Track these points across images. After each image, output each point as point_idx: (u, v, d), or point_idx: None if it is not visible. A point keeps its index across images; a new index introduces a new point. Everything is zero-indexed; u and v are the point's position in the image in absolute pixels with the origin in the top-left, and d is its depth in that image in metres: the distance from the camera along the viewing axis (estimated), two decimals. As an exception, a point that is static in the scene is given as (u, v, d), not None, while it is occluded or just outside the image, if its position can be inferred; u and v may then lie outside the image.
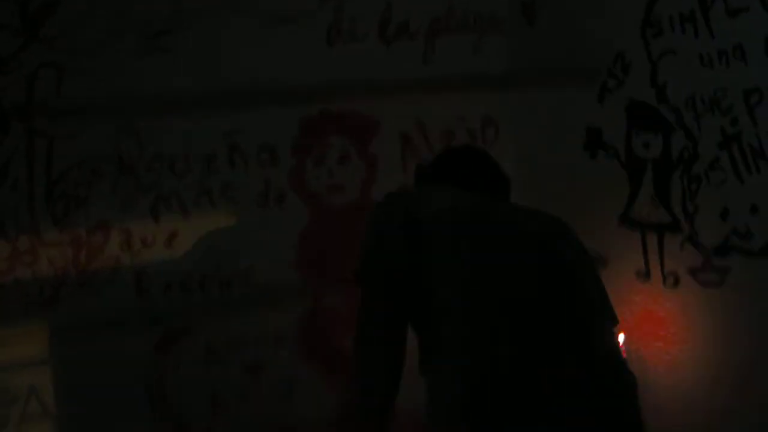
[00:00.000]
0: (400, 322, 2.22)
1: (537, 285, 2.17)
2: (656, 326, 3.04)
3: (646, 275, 3.05)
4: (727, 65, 2.74)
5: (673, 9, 2.87)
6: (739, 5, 2.70)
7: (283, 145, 3.04)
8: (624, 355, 2.35)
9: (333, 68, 3.09)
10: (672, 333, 3.00)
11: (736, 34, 2.71)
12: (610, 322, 2.25)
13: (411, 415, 2.28)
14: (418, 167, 2.61)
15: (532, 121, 3.37)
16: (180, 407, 2.93)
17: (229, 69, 2.93)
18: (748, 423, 2.78)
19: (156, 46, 2.82)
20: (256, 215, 3.00)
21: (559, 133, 3.26)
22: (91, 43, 2.74)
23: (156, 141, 2.85)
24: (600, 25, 3.10)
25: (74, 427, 2.82)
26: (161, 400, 2.90)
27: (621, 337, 2.80)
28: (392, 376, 2.21)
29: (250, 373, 3.03)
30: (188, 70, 2.86)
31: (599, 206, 3.15)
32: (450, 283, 2.18)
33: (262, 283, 3.02)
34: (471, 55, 3.33)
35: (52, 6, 2.66)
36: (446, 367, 2.20)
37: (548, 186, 3.26)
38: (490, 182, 2.39)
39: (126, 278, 2.84)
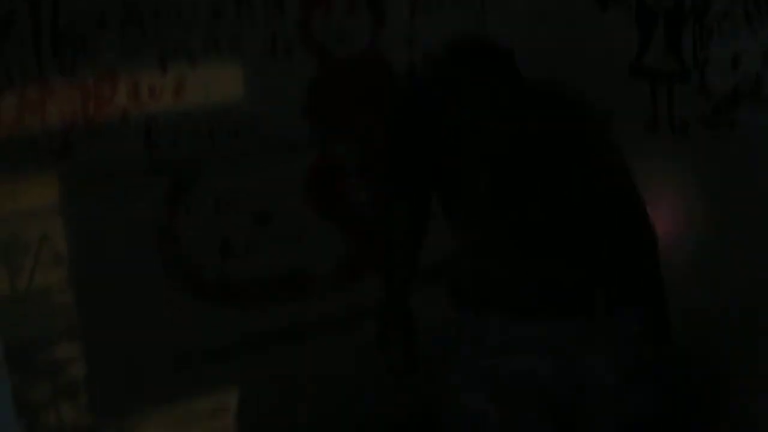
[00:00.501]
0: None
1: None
2: (664, 177, 3.05)
3: (654, 126, 3.04)
4: None
5: None
6: None
7: (290, -4, 3.01)
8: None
9: None
10: (680, 183, 3.01)
11: None
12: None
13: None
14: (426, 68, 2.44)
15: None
16: (190, 255, 2.97)
17: None
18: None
19: None
20: (264, 66, 2.98)
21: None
22: None
23: (162, -10, 2.81)
24: None
25: (86, 275, 2.86)
26: (172, 248, 2.94)
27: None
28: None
29: (259, 222, 3.06)
30: None
31: (609, 57, 3.13)
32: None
33: (271, 133, 3.02)
34: None
35: None
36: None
37: (559, 37, 3.23)
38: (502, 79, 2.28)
39: (135, 128, 2.84)
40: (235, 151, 2.99)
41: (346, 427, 3.21)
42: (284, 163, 3.07)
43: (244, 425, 3.18)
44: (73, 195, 2.80)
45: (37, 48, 2.66)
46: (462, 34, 2.33)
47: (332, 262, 3.19)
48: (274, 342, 3.15)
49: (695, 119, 2.93)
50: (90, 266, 2.85)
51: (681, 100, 2.97)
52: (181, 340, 2.99)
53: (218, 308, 3.05)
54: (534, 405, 2.26)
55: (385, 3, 3.18)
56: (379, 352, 2.40)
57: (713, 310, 2.97)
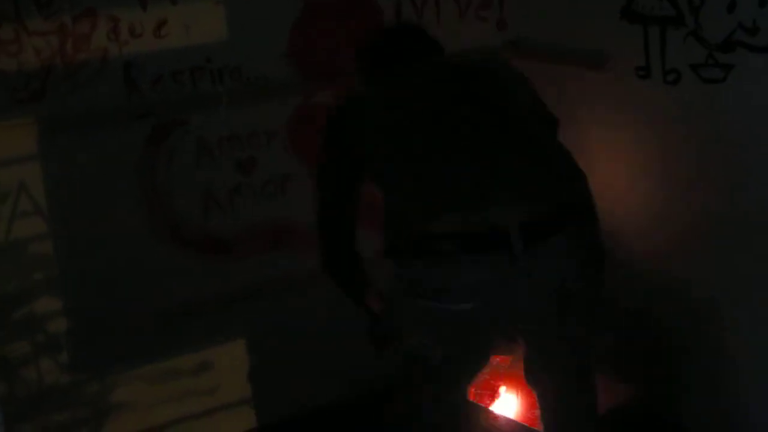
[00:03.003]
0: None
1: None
2: (654, 124, 3.09)
3: (646, 71, 3.07)
4: None
5: None
6: None
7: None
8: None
9: None
10: (671, 130, 3.05)
11: None
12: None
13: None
14: (360, 53, 2.74)
15: None
16: (172, 202, 2.93)
17: None
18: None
19: None
20: (247, 5, 2.93)
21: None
22: None
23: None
24: None
25: (66, 224, 2.81)
26: (153, 195, 2.90)
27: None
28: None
29: (242, 169, 3.03)
30: None
31: (601, 0, 3.13)
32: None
33: (254, 76, 2.99)
34: None
35: None
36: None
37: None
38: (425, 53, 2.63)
39: (114, 70, 2.78)
40: (217, 94, 2.93)
41: (332, 381, 3.22)
42: (268, 108, 3.02)
43: (228, 381, 3.16)
44: (51, 141, 2.73)
45: (13, -18, 2.56)
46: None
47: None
48: (256, 296, 3.11)
49: (687, 66, 2.95)
50: (69, 216, 2.79)
51: (674, 46, 2.98)
52: (163, 294, 2.96)
53: (200, 260, 3.01)
54: (472, 340, 2.43)
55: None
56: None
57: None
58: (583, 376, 2.58)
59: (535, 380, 2.63)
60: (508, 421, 3.05)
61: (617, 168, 3.21)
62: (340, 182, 2.54)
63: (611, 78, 3.14)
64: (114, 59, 2.75)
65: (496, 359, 3.09)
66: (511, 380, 3.14)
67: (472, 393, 2.97)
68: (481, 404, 3.06)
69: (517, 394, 3.12)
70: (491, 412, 3.05)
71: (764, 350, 2.91)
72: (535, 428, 2.92)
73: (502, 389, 3.14)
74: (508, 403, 3.13)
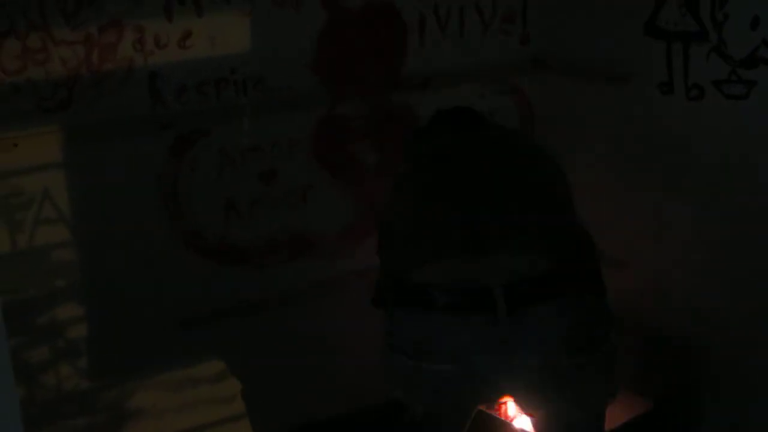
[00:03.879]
0: None
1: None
2: (677, 140, 3.10)
3: (669, 87, 3.08)
4: None
5: None
6: None
7: (299, -55, 2.99)
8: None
9: None
10: (692, 147, 3.06)
11: None
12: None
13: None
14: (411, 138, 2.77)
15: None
16: (194, 212, 2.97)
17: None
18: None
19: None
20: (272, 16, 2.97)
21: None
22: None
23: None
24: None
25: (88, 231, 2.85)
26: (175, 204, 2.94)
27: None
28: None
29: (264, 179, 3.06)
30: None
31: (624, 15, 3.15)
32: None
33: (277, 87, 3.02)
34: None
35: None
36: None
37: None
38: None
39: (139, 80, 2.82)
40: (241, 105, 2.96)
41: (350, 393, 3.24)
42: (291, 119, 3.05)
43: (245, 390, 3.19)
44: (75, 148, 2.77)
45: (40, -7, 2.61)
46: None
47: (337, 223, 3.20)
48: (276, 305, 3.14)
49: (710, 82, 2.96)
50: (92, 223, 2.83)
51: (697, 62, 2.99)
52: (184, 302, 2.99)
53: (221, 269, 3.04)
54: (454, 400, 2.39)
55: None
56: None
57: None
58: None
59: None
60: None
61: (637, 181, 3.22)
62: None
63: (634, 94, 3.15)
64: (139, 69, 2.79)
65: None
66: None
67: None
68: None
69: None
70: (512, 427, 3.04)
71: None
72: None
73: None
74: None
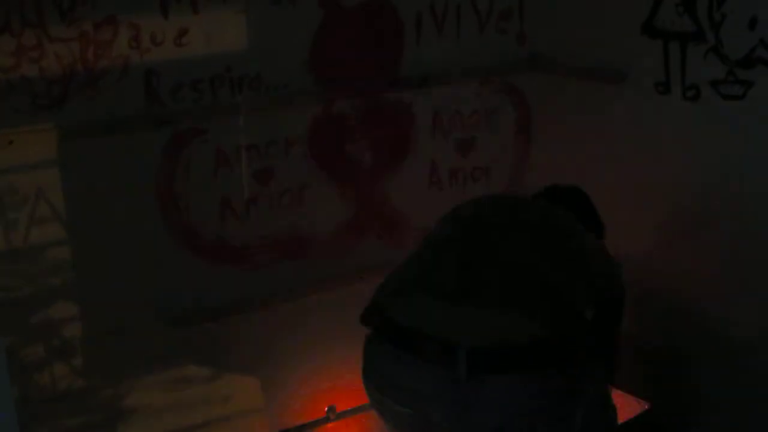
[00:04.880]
0: None
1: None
2: (674, 140, 3.11)
3: (666, 87, 3.09)
4: None
5: None
6: None
7: (296, -60, 2.99)
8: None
9: None
10: (689, 147, 3.07)
11: None
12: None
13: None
14: None
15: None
16: (189, 211, 2.96)
17: None
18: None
19: None
20: (268, 14, 2.96)
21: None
22: None
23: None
24: None
25: (83, 229, 2.85)
26: (170, 202, 2.93)
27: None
28: None
29: (259, 178, 3.06)
30: None
31: (621, 14, 3.16)
32: None
33: (273, 85, 3.01)
34: None
35: None
36: None
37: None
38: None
39: (135, 77, 2.81)
40: (237, 103, 2.96)
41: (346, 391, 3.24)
42: (287, 117, 3.05)
43: (241, 389, 3.19)
44: (70, 146, 2.77)
45: (36, -7, 2.60)
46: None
47: (333, 222, 3.20)
48: (272, 304, 3.14)
49: (707, 83, 2.97)
50: (87, 221, 2.83)
51: (694, 62, 2.99)
52: (179, 301, 2.98)
53: (216, 268, 3.04)
54: None
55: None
56: None
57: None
58: None
59: None
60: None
61: (634, 181, 3.22)
62: None
63: (630, 93, 3.16)
64: (135, 67, 2.79)
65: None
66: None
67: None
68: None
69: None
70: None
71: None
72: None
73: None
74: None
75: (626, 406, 3.01)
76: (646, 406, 3.08)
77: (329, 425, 3.23)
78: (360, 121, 3.19)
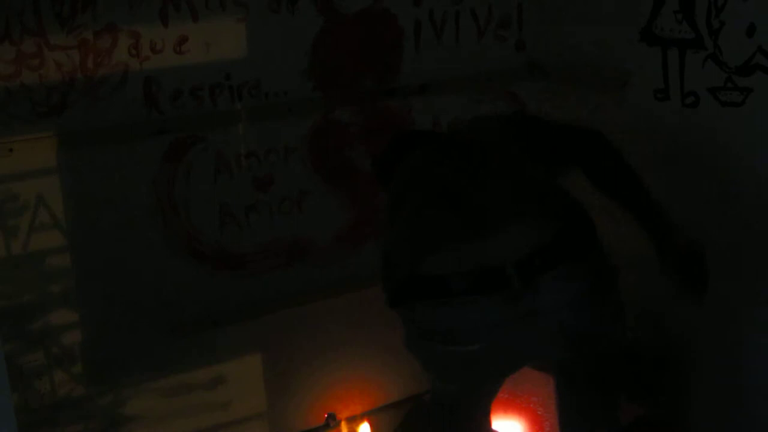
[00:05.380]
0: None
1: None
2: (673, 147, 3.11)
3: (665, 94, 3.10)
4: None
5: None
6: None
7: (295, -51, 3.01)
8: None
9: None
10: (690, 153, 3.08)
11: None
12: None
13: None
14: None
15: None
16: (189, 218, 2.98)
17: None
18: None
19: None
20: (268, 22, 2.98)
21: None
22: None
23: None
24: None
25: (83, 237, 2.87)
26: (170, 210, 2.95)
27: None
28: None
29: (259, 185, 3.08)
30: None
31: (620, 21, 3.17)
32: None
33: (273, 93, 3.03)
34: None
35: None
36: None
37: (568, 0, 3.28)
38: None
39: (134, 85, 2.84)
40: (236, 111, 2.98)
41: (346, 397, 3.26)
42: (287, 125, 3.07)
43: (241, 396, 3.20)
44: (70, 154, 2.79)
45: (36, 1, 2.62)
46: None
47: (333, 229, 3.22)
48: (271, 311, 3.16)
49: (706, 89, 2.98)
50: (86, 229, 2.85)
51: (693, 69, 3.01)
52: (179, 308, 3.00)
53: (216, 275, 3.05)
54: (484, 377, 2.56)
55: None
56: None
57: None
58: (607, 404, 2.66)
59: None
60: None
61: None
62: None
63: (629, 100, 3.17)
64: (134, 74, 2.81)
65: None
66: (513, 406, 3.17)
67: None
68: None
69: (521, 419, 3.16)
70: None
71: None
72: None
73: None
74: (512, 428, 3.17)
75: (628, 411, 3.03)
76: (641, 411, 3.08)
77: (329, 432, 3.25)
78: (359, 129, 3.21)
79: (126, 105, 2.82)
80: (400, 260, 2.46)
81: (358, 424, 3.30)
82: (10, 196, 2.71)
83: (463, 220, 2.39)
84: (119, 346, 2.94)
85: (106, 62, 2.77)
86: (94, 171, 2.82)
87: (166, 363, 3.06)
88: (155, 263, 2.95)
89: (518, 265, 2.31)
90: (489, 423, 2.78)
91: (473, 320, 2.35)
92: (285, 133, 3.09)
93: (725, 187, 2.99)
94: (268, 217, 3.11)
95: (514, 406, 3.20)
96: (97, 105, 2.78)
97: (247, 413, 3.27)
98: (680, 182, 3.12)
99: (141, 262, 2.93)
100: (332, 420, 3.23)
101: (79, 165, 2.81)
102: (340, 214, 3.23)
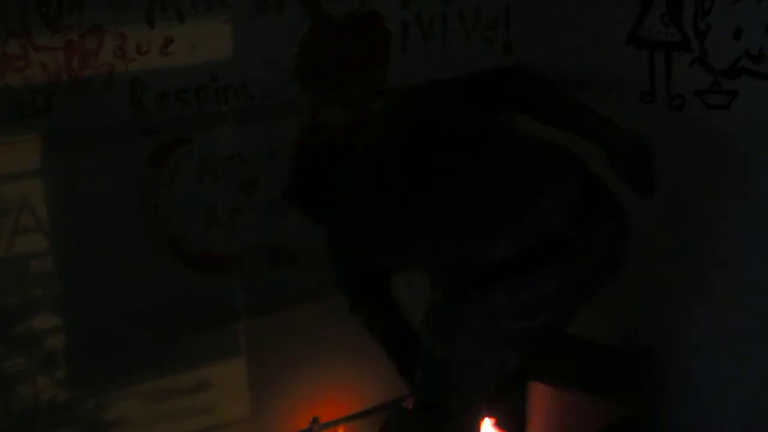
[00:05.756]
0: None
1: None
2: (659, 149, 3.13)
3: (651, 97, 3.12)
4: None
5: None
6: None
7: (282, -50, 3.01)
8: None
9: None
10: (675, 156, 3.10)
11: None
12: None
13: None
14: None
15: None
16: (174, 220, 2.98)
17: None
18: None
19: None
20: (254, 23, 2.99)
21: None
22: None
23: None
24: None
25: (67, 240, 2.86)
26: (155, 212, 2.94)
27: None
28: None
29: (245, 188, 3.07)
30: None
31: (607, 24, 3.19)
32: None
33: (259, 95, 3.03)
34: None
35: None
36: None
37: (556, 3, 3.29)
38: None
39: (120, 86, 2.82)
40: (222, 113, 2.98)
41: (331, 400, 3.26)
42: (273, 127, 3.07)
43: (225, 400, 3.20)
44: (55, 156, 2.77)
45: (21, 2, 2.61)
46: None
47: (319, 231, 3.20)
48: (256, 314, 3.16)
49: (692, 92, 3.00)
50: (71, 231, 2.84)
51: (679, 72, 3.03)
52: (164, 311, 3.00)
53: (201, 277, 3.05)
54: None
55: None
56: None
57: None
58: None
59: None
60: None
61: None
62: None
63: (616, 103, 3.18)
64: (120, 76, 2.80)
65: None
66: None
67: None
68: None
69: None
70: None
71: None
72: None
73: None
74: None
75: (604, 411, 3.06)
76: (622, 410, 3.11)
77: (313, 436, 3.25)
78: (346, 130, 3.21)
79: (112, 107, 2.81)
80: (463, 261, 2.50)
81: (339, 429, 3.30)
82: (-6, 198, 2.69)
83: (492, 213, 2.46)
84: (103, 350, 2.93)
85: (92, 64, 2.76)
86: (79, 173, 2.81)
87: (149, 367, 3.05)
88: (140, 266, 2.94)
89: (573, 224, 2.41)
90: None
91: (550, 291, 2.43)
92: (271, 135, 3.08)
93: (712, 190, 3.00)
94: (254, 220, 3.10)
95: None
96: (83, 107, 2.76)
97: (232, 418, 3.27)
98: (664, 184, 3.13)
99: (125, 265, 2.92)
100: (316, 424, 3.23)
101: (64, 167, 2.79)
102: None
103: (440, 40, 3.33)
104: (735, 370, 3.05)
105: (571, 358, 3.06)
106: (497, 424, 3.10)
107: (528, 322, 2.48)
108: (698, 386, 3.17)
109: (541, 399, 3.13)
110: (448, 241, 2.50)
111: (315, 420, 3.25)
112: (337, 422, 3.33)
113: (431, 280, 2.62)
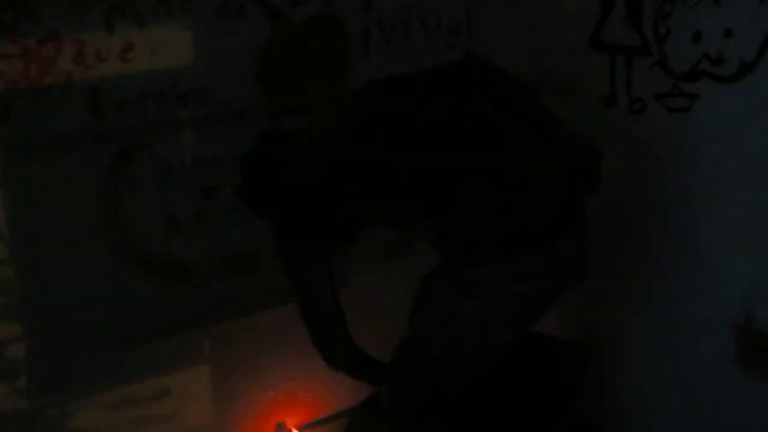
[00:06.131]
0: None
1: None
2: (620, 153, 3.17)
3: (612, 101, 3.16)
4: None
5: None
6: None
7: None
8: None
9: None
10: (636, 160, 3.14)
11: None
12: None
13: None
14: None
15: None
16: (135, 227, 2.98)
17: None
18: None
19: None
20: (215, 29, 2.99)
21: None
22: None
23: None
24: None
25: (27, 248, 2.85)
26: (116, 219, 2.94)
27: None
28: None
29: (206, 194, 3.08)
30: None
31: (568, 28, 3.22)
32: None
33: (220, 100, 3.04)
34: None
35: None
36: None
37: (517, 8, 3.32)
38: None
39: (79, 93, 2.82)
40: (183, 119, 2.98)
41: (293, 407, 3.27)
42: (235, 133, 3.07)
43: (187, 407, 3.20)
44: (13, 163, 2.76)
45: (-22, 8, 2.61)
46: None
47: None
48: (218, 321, 3.16)
49: (653, 96, 3.04)
50: (30, 239, 2.83)
51: (640, 76, 3.06)
52: (125, 319, 2.99)
53: (162, 285, 3.05)
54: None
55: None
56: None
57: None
58: None
59: None
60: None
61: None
62: None
63: (577, 107, 3.22)
64: (79, 83, 2.80)
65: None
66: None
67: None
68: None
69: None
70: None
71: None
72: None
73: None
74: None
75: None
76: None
77: (278, 442, 3.26)
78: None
79: (71, 114, 2.81)
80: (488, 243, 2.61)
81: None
82: (-50, 208, 2.68)
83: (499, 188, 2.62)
84: (64, 359, 2.92)
85: (50, 71, 2.76)
86: (37, 181, 2.80)
87: (111, 375, 3.04)
88: (101, 274, 2.93)
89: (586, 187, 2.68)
90: None
91: (569, 248, 2.62)
92: (232, 141, 3.08)
93: (671, 193, 3.04)
94: (216, 226, 3.11)
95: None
96: (42, 114, 2.75)
97: (195, 425, 3.26)
98: (623, 187, 3.17)
99: (86, 273, 2.91)
100: (282, 430, 3.24)
101: (23, 175, 2.79)
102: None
103: (402, 45, 3.34)
104: (671, 366, 3.16)
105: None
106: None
107: (543, 284, 2.62)
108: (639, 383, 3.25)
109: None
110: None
111: (280, 426, 3.26)
112: (302, 428, 3.33)
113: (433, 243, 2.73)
